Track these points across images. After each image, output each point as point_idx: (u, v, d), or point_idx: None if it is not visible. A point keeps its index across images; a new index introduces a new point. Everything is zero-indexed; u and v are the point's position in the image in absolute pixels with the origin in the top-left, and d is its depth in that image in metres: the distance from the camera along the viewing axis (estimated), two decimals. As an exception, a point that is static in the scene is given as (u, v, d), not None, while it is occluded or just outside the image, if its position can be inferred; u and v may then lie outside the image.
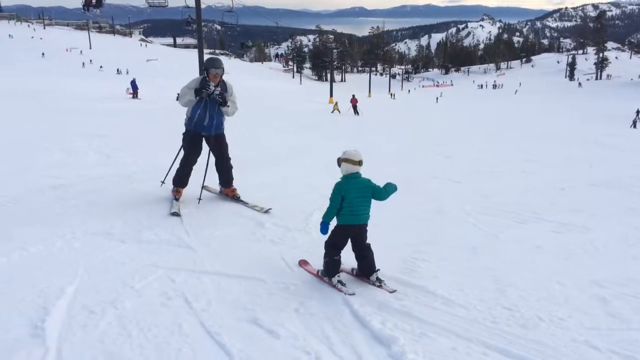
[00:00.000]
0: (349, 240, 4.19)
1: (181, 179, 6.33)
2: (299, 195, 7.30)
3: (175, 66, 78.31)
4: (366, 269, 4.20)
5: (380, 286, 4.06)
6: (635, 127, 33.65)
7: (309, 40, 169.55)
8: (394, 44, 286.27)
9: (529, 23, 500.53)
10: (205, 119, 6.09)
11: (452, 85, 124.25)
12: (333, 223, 4.19)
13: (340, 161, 4.27)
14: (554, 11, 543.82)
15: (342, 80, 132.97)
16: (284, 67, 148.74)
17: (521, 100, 66.53)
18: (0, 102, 20.98)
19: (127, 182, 7.41)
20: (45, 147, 10.59)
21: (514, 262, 4.81)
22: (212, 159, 6.49)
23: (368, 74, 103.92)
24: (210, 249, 4.74)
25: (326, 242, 4.18)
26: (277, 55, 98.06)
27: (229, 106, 6.20)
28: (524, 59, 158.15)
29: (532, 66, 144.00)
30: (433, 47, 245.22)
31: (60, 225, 5.22)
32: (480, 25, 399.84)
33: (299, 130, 18.54)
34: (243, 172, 8.44)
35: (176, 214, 5.79)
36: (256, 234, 5.29)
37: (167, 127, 15.72)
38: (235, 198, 6.66)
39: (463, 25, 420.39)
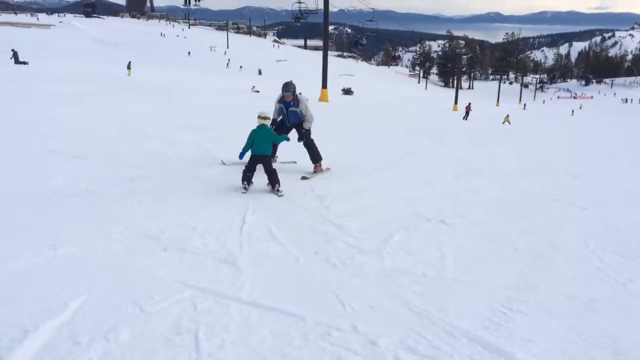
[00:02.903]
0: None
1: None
2: (391, 208, 6.40)
3: (302, 66, 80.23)
4: (271, 183, 6.65)
5: (277, 194, 6.50)
6: None
7: (439, 46, 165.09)
8: (529, 52, 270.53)
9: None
10: (287, 123, 8.31)
11: (592, 97, 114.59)
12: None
13: (257, 117, 6.78)
14: None
15: (469, 88, 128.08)
16: (410, 71, 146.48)
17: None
18: (139, 94, 22.09)
19: (209, 181, 6.99)
20: (149, 136, 10.65)
21: (647, 327, 3.59)
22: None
23: (498, 82, 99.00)
24: (259, 269, 4.04)
25: (246, 166, 6.64)
26: (393, 57, 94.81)
27: (306, 126, 8.23)
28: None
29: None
30: (573, 56, 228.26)
31: (113, 222, 4.86)
32: (630, 35, 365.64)
33: (416, 134, 17.49)
34: (347, 177, 7.87)
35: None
36: (320, 254, 4.51)
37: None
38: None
39: (610, 34, 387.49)
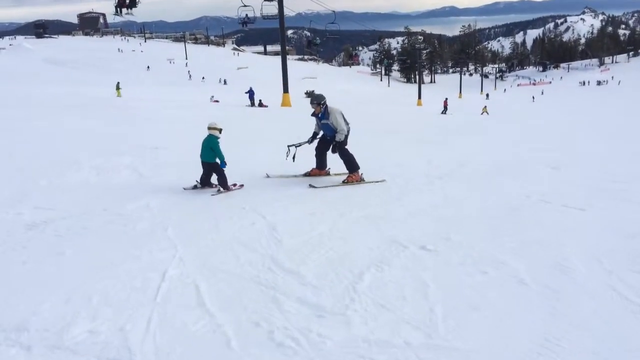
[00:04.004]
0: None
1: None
2: (356, 235, 5.20)
3: (263, 73, 78.89)
4: (218, 184, 7.17)
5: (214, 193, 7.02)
6: None
7: (398, 43, 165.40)
8: (486, 43, 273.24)
9: (636, 14, 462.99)
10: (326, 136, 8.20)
11: (550, 83, 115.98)
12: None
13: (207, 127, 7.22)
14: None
15: (431, 82, 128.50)
16: (372, 70, 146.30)
17: (632, 97, 59.62)
18: (91, 112, 20.37)
19: (131, 220, 5.63)
20: (78, 163, 9.25)
21: None
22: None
23: (458, 74, 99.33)
24: (167, 367, 2.78)
25: None
26: (350, 57, 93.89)
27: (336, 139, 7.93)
28: (631, 53, 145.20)
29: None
30: (529, 44, 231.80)
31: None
32: (581, 19, 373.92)
33: (383, 134, 16.41)
34: (306, 194, 6.72)
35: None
36: (262, 326, 3.24)
37: (244, 136, 14.27)
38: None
39: (562, 20, 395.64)
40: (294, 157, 8.15)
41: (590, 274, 4.23)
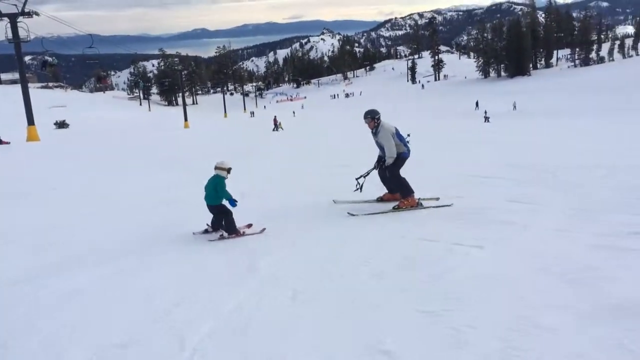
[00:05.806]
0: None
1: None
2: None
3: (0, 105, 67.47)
4: (215, 226, 6.42)
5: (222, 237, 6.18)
6: (488, 121, 34.02)
7: (153, 65, 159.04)
8: (241, 63, 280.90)
9: (365, 34, 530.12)
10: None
11: (305, 98, 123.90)
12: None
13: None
14: (385, 22, 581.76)
15: (193, 103, 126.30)
16: (128, 94, 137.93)
17: (375, 105, 65.55)
18: None
19: None
20: None
21: None
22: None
23: (220, 94, 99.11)
24: None
25: None
26: (99, 79, 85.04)
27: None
28: (367, 67, 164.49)
29: (393, 68, 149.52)
30: (281, 62, 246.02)
31: None
32: (322, 39, 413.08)
33: (156, 170, 13.65)
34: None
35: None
36: None
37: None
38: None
39: (305, 40, 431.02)
40: (361, 188, 7.64)
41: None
